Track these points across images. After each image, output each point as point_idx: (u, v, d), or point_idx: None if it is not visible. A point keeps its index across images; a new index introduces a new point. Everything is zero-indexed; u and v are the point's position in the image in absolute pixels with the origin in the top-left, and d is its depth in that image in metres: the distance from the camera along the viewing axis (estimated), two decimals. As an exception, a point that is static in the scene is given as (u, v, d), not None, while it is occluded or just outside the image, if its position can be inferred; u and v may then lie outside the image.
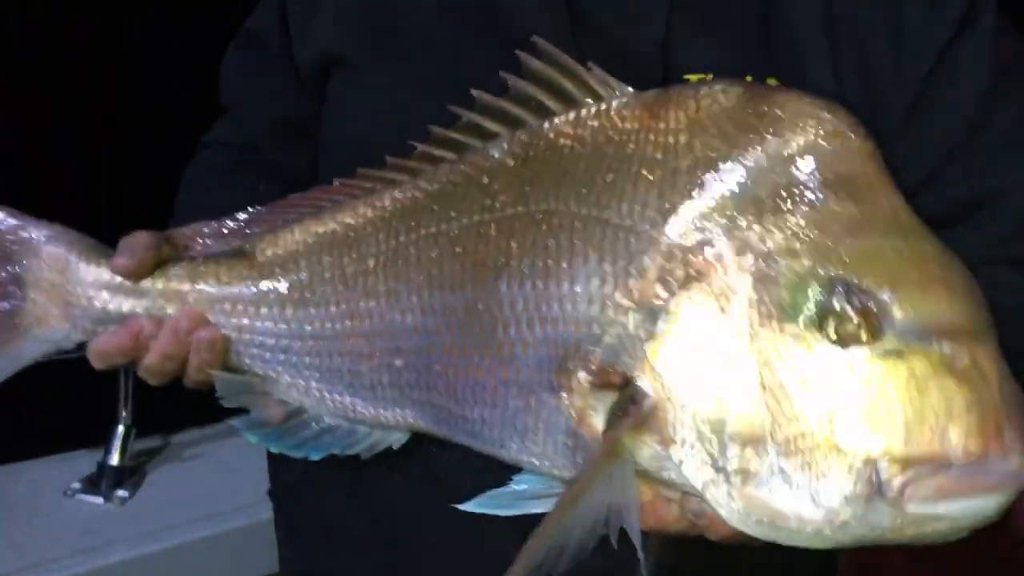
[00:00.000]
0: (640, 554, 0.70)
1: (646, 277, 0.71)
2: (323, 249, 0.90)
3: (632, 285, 0.71)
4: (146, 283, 0.91)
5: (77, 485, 1.87)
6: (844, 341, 0.64)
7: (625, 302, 0.72)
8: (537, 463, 0.79)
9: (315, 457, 0.92)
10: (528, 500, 0.79)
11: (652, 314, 0.70)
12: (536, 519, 0.71)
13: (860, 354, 0.64)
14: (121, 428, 1.90)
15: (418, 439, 0.90)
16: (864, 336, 0.64)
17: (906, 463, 0.62)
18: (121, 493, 1.86)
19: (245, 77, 1.18)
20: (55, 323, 0.92)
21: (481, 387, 0.80)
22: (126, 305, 0.92)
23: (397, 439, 0.91)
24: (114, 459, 1.89)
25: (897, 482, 0.62)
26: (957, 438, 0.62)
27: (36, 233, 0.93)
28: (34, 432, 2.13)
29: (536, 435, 0.78)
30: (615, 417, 0.71)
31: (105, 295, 0.92)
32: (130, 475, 1.90)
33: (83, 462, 1.92)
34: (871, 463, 0.63)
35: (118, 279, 0.91)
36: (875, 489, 0.63)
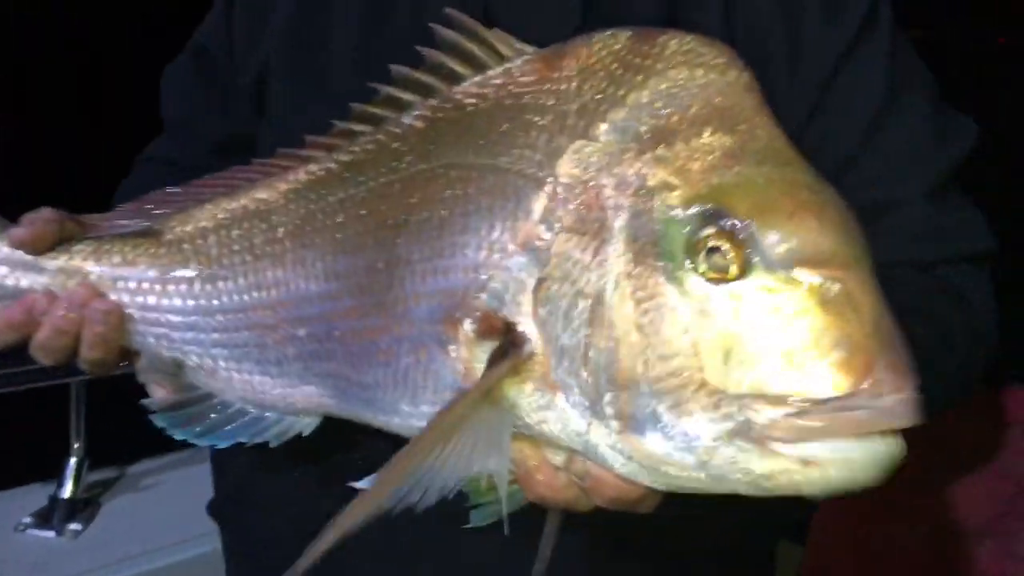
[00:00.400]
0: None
1: (530, 219, 0.73)
2: (234, 223, 0.93)
3: (518, 227, 0.74)
4: (46, 259, 0.94)
5: (28, 519, 1.90)
6: (714, 274, 0.65)
7: (510, 246, 0.74)
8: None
9: (222, 445, 0.94)
10: None
11: (536, 256, 0.73)
12: None
13: (729, 287, 0.65)
14: (74, 460, 1.94)
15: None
16: (733, 267, 0.65)
17: (771, 400, 0.62)
18: (74, 527, 1.89)
19: (193, 92, 1.24)
20: None
21: (376, 347, 0.83)
22: (25, 280, 0.95)
23: (307, 424, 0.93)
24: (66, 492, 1.93)
25: (762, 419, 0.62)
26: (824, 373, 0.62)
27: None
28: (-16, 466, 2.09)
29: (425, 393, 0.80)
30: (494, 359, 0.73)
31: (3, 269, 0.94)
32: (83, 508, 1.93)
33: (35, 496, 1.96)
34: (737, 400, 0.63)
35: (18, 253, 0.94)
36: (742, 428, 0.63)
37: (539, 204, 0.73)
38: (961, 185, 1.05)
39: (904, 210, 0.99)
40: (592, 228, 0.70)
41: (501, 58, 0.82)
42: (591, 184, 0.71)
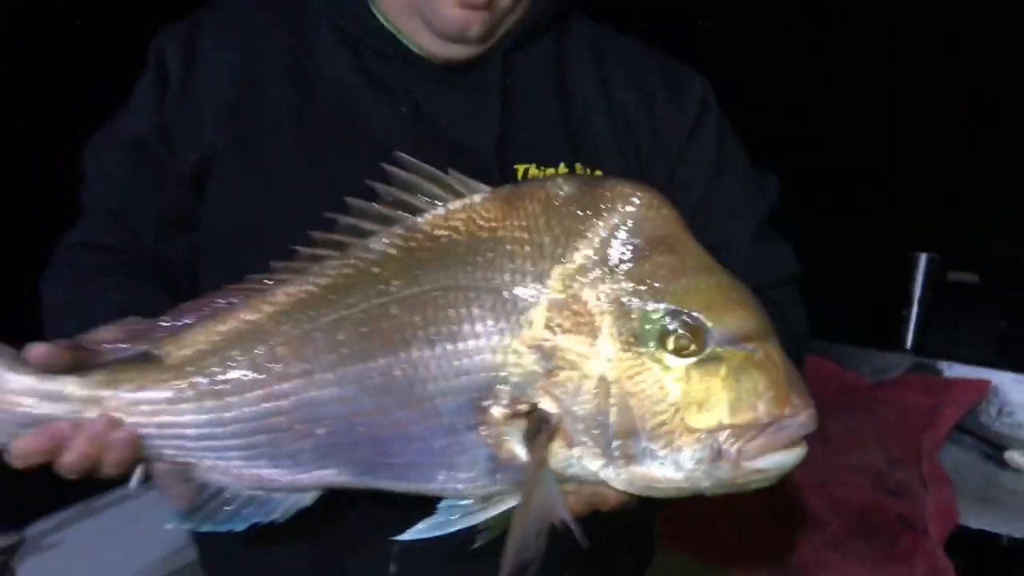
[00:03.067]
0: (577, 533, 0.98)
1: (535, 327, 1.00)
2: (231, 344, 1.07)
3: (524, 334, 1.00)
4: (69, 389, 1.06)
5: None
6: (681, 353, 0.97)
7: (522, 348, 1.00)
8: (462, 488, 1.05)
9: (239, 528, 1.10)
10: (457, 519, 1.04)
11: (544, 353, 1.00)
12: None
13: (693, 361, 0.98)
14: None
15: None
16: (694, 347, 0.97)
17: (734, 431, 0.96)
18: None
19: (131, 181, 1.36)
20: None
21: (407, 437, 1.04)
22: (50, 410, 1.05)
23: (310, 497, 1.11)
24: (-31, 567, 1.86)
25: (732, 446, 0.96)
26: (764, 407, 0.97)
27: None
28: None
29: (461, 466, 1.04)
30: (533, 437, 1.00)
31: (31, 401, 1.05)
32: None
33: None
34: (712, 435, 0.96)
35: (44, 386, 1.05)
36: (716, 453, 0.96)
37: (540, 315, 1.00)
38: (773, 224, 1.46)
39: (737, 247, 1.39)
40: (585, 328, 0.99)
41: (456, 194, 1.04)
42: (579, 297, 0.99)
